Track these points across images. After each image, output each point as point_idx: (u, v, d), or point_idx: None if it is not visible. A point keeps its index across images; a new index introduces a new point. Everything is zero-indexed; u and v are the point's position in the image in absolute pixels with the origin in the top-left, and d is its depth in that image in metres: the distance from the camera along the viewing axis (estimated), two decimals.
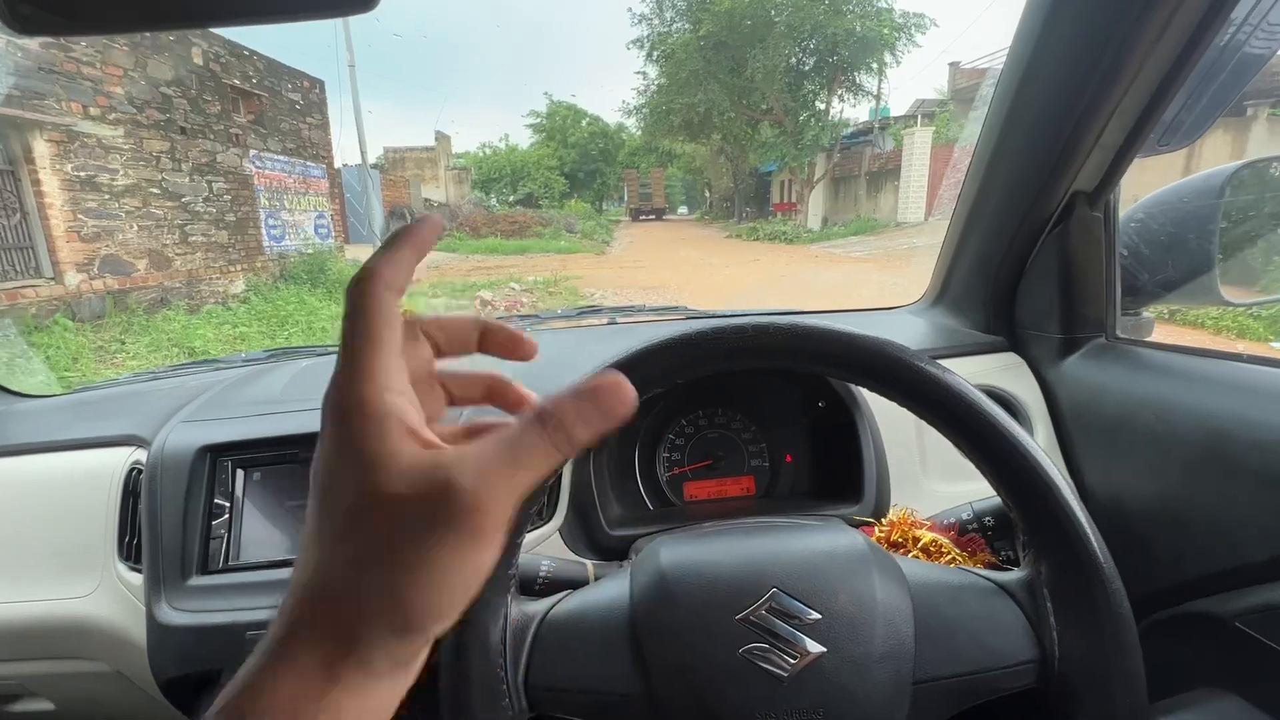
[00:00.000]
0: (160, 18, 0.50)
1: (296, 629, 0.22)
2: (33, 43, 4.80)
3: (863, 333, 0.45)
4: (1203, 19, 0.58)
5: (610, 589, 0.47)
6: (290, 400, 0.83)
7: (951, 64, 15.37)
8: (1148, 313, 0.82)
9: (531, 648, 0.44)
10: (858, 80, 16.80)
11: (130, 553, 0.75)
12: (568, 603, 0.47)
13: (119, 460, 0.79)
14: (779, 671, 0.40)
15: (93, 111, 5.57)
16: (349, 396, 0.22)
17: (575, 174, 30.68)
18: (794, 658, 0.40)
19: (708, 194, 36.38)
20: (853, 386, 0.79)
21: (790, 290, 8.13)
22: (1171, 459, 0.64)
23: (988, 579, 0.46)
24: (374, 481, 0.21)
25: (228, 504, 0.74)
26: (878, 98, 17.09)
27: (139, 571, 0.73)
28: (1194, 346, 0.69)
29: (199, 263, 6.77)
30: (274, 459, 0.76)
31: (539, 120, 31.69)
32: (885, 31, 15.14)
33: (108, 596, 0.75)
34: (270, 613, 0.39)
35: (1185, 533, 0.63)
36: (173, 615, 0.69)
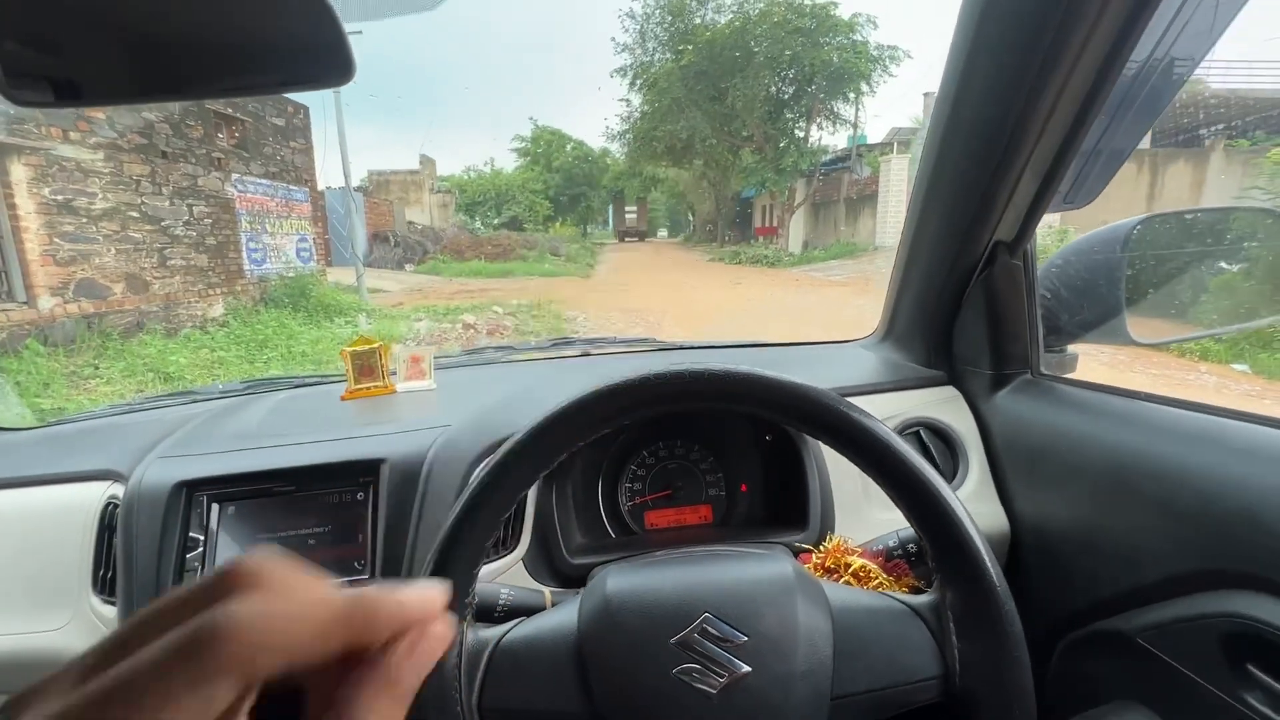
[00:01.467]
0: (152, 92, 0.54)
1: None
2: None
3: (788, 378, 0.48)
4: (1095, 81, 0.64)
5: (560, 615, 0.51)
6: (267, 435, 0.86)
7: (926, 94, 15.88)
8: (1072, 349, 0.89)
9: (485, 671, 0.47)
10: (835, 109, 17.31)
11: (104, 586, 0.77)
12: (521, 629, 0.50)
13: (95, 495, 0.80)
14: (709, 690, 0.44)
15: (73, 136, 5.54)
16: None
17: (559, 198, 30.86)
18: (722, 677, 0.44)
19: (691, 218, 36.89)
20: None
21: (771, 313, 8.28)
22: (1084, 488, 0.70)
23: (902, 602, 0.51)
24: None
25: (203, 537, 0.76)
26: (855, 126, 17.60)
27: (113, 604, 0.75)
28: (1104, 384, 0.75)
29: (177, 286, 6.69)
30: (249, 493, 0.78)
31: (524, 144, 31.96)
32: (861, 63, 15.65)
33: (81, 630, 0.76)
34: None
35: (1097, 556, 0.69)
36: None
